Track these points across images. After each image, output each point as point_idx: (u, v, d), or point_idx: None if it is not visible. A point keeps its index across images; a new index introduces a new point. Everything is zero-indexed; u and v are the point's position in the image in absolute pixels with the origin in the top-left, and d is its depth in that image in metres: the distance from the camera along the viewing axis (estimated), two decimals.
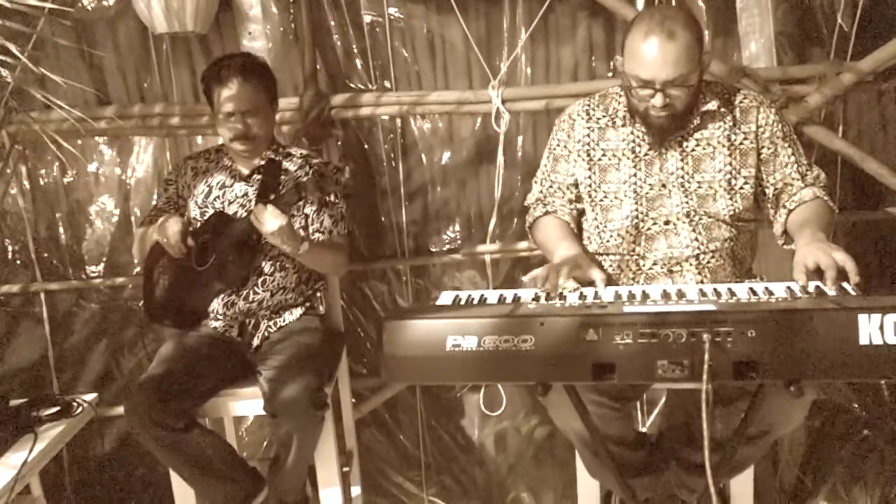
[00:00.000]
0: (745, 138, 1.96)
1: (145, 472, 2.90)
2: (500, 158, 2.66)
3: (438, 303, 1.69)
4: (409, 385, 2.81)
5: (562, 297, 1.64)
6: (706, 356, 1.31)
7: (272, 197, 2.09)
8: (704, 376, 1.31)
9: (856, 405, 2.73)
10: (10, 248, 2.79)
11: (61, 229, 2.78)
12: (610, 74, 2.62)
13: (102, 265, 2.80)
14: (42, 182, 2.76)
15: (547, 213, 2.08)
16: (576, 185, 2.06)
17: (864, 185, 2.65)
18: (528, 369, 1.42)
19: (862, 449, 2.73)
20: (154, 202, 2.71)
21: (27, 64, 2.05)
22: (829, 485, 2.72)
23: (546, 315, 1.41)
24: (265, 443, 2.88)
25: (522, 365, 1.41)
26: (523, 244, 2.72)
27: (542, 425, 2.88)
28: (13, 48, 2.03)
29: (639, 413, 2.81)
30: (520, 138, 2.68)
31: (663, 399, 2.77)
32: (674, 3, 2.57)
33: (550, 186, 2.09)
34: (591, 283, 1.75)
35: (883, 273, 2.61)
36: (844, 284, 1.58)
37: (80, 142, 2.69)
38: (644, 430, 2.74)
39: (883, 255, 2.65)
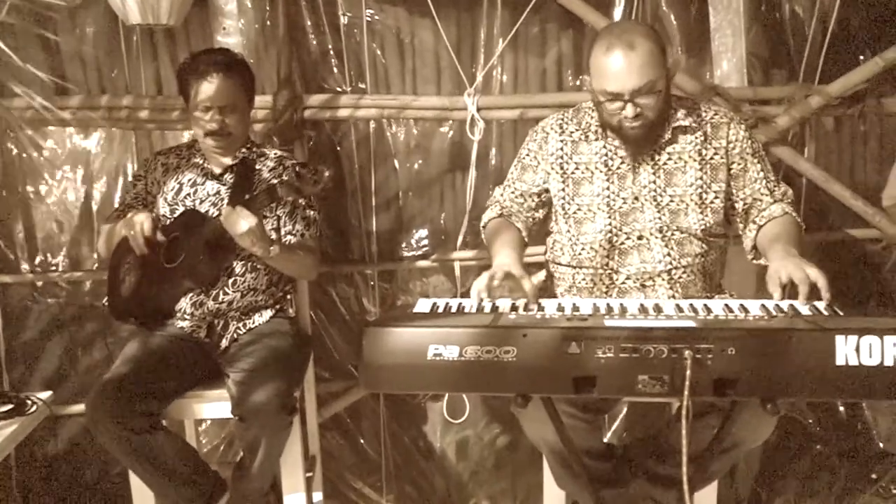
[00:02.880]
0: (716, 153, 1.99)
1: (96, 473, 2.82)
2: (474, 166, 2.66)
3: (416, 310, 1.68)
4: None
5: (541, 307, 1.65)
6: (688, 372, 1.32)
7: (246, 197, 2.05)
8: (685, 392, 1.32)
9: (810, 420, 2.80)
10: None
11: (19, 220, 2.69)
12: (586, 88, 2.65)
13: (60, 259, 2.72)
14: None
15: (502, 215, 2.09)
16: (538, 195, 2.08)
17: (827, 207, 2.72)
18: (509, 381, 1.42)
19: (816, 463, 2.80)
20: (119, 196, 2.65)
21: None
22: (784, 498, 2.78)
23: (529, 327, 1.41)
24: (222, 446, 2.83)
25: (503, 376, 1.41)
26: None
27: (504, 434, 2.89)
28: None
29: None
30: (493, 147, 2.69)
31: (624, 411, 2.80)
32: (649, 18, 2.60)
33: (513, 192, 2.11)
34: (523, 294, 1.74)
35: (846, 293, 2.68)
36: (816, 303, 1.61)
37: (40, 130, 2.61)
38: (606, 441, 2.76)
39: (845, 276, 2.73)
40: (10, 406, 2.06)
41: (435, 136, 2.70)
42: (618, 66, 1.82)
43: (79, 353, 2.74)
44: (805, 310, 1.58)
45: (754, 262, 2.02)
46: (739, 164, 2.00)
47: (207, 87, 2.13)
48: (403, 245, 2.79)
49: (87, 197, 2.68)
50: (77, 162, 2.67)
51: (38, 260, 2.72)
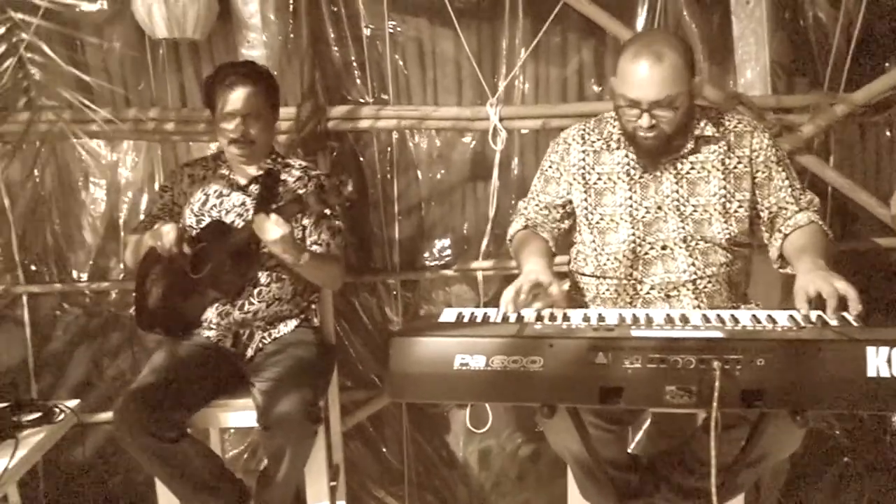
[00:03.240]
0: (740, 162, 1.98)
1: (122, 481, 2.85)
2: (496, 176, 2.66)
3: (441, 319, 1.68)
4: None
5: (566, 317, 1.64)
6: (716, 383, 1.32)
7: (272, 207, 2.07)
8: (714, 403, 1.31)
9: (837, 432, 2.77)
10: None
11: (46, 231, 2.73)
12: (608, 97, 2.64)
13: (88, 269, 2.75)
14: (28, 182, 2.70)
15: (527, 227, 2.09)
16: (563, 207, 2.08)
17: (852, 215, 2.70)
18: (535, 391, 1.42)
19: (843, 476, 2.76)
20: (145, 207, 2.68)
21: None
22: None
23: (555, 337, 1.41)
24: (246, 454, 2.84)
25: (529, 386, 1.41)
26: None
27: (527, 444, 2.88)
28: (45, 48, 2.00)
29: None
30: (515, 156, 2.69)
31: (648, 422, 2.78)
32: (671, 27, 2.60)
33: (537, 204, 2.11)
34: (553, 303, 1.73)
35: (873, 303, 2.65)
36: (845, 314, 1.60)
37: (68, 143, 2.65)
38: (630, 452, 2.75)
39: (871, 285, 2.69)
40: (38, 414, 2.09)
41: (457, 145, 2.71)
42: (641, 75, 1.82)
43: (105, 362, 2.77)
44: (834, 320, 1.57)
45: (780, 271, 2.01)
46: (764, 172, 1.99)
47: (231, 96, 2.17)
48: (426, 255, 2.79)
49: (114, 208, 2.72)
50: (104, 174, 2.71)
51: (66, 271, 2.75)
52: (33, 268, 2.74)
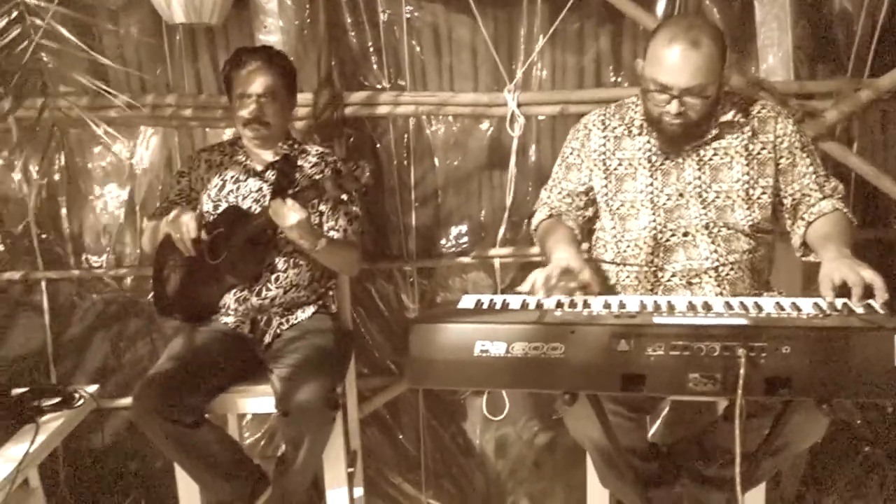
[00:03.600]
0: (763, 148, 1.96)
1: (141, 466, 2.87)
2: (513, 162, 2.65)
3: (460, 306, 1.67)
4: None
5: (587, 304, 1.63)
6: (741, 371, 1.30)
7: (288, 193, 2.06)
8: (739, 391, 1.30)
9: (858, 421, 2.74)
10: (12, 234, 2.75)
11: (64, 217, 2.74)
12: (626, 84, 2.62)
13: (106, 255, 2.76)
14: (46, 168, 2.71)
15: (551, 216, 2.07)
16: (585, 194, 2.06)
17: (875, 202, 2.66)
18: (556, 378, 1.40)
19: (864, 465, 2.73)
20: (160, 193, 2.69)
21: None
22: (831, 500, 2.72)
23: (577, 324, 1.40)
24: (263, 440, 2.85)
25: (550, 373, 1.40)
26: (534, 249, 2.71)
27: (544, 432, 2.87)
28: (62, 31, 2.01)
29: None
30: (532, 143, 2.67)
31: (666, 410, 2.77)
32: (692, 12, 2.56)
33: (559, 193, 2.09)
34: (585, 287, 1.72)
35: (893, 291, 2.61)
36: (871, 302, 1.57)
37: (86, 130, 2.65)
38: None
39: (892, 273, 2.65)
40: (57, 399, 2.09)
41: (474, 132, 2.69)
42: (675, 60, 1.79)
43: (124, 348, 2.79)
44: (860, 308, 1.54)
45: (803, 259, 1.98)
46: (788, 158, 1.96)
47: (247, 76, 2.17)
48: (442, 242, 2.78)
49: (131, 194, 2.72)
50: (121, 160, 2.71)
51: (83, 256, 2.77)
52: (55, 250, 2.74)
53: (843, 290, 1.62)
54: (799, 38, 2.55)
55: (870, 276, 1.59)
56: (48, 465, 2.77)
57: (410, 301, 2.81)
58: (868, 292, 1.59)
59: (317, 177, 2.18)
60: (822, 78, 2.58)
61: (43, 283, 2.76)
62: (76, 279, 2.77)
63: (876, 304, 1.56)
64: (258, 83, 2.17)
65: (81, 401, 2.11)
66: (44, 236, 2.75)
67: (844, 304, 1.57)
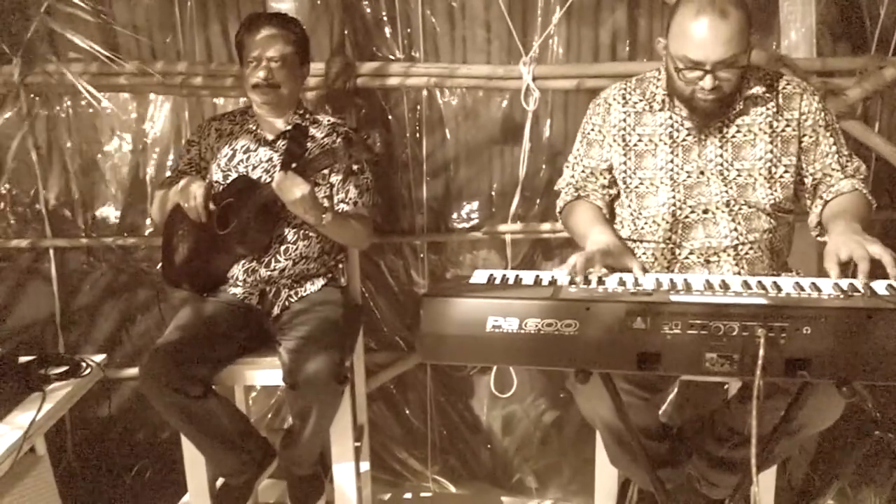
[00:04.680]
0: (788, 125, 1.91)
1: (148, 436, 2.87)
2: (527, 137, 2.60)
3: (472, 281, 1.64)
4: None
5: (601, 281, 1.60)
6: (760, 351, 1.27)
7: (300, 161, 2.03)
8: (758, 372, 1.27)
9: (870, 404, 2.71)
10: (20, 201, 2.73)
11: (73, 185, 2.72)
12: (645, 59, 2.56)
13: (115, 224, 2.74)
14: (55, 136, 2.68)
15: (579, 197, 2.03)
16: (609, 171, 2.02)
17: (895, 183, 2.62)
18: (570, 355, 1.38)
19: (874, 450, 2.71)
20: (170, 162, 2.66)
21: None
22: (839, 484, 2.70)
23: (592, 301, 1.37)
24: (270, 413, 2.85)
25: (564, 350, 1.37)
26: (546, 225, 2.68)
27: (551, 410, 2.86)
28: None
29: None
30: (547, 118, 2.62)
31: (675, 390, 2.74)
32: None
33: (583, 171, 2.04)
34: (625, 272, 1.70)
35: None
36: (893, 282, 1.53)
37: (94, 96, 2.62)
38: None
39: None
40: (64, 368, 2.09)
41: (487, 105, 2.65)
42: (705, 34, 1.73)
43: (132, 317, 2.77)
44: (883, 289, 1.51)
45: (819, 238, 1.94)
46: (811, 136, 1.92)
47: (260, 41, 2.15)
48: (453, 216, 2.75)
49: (141, 163, 2.70)
50: (131, 128, 2.68)
51: (92, 225, 2.75)
52: (64, 213, 2.73)
53: (850, 270, 1.57)
54: (822, 13, 2.49)
55: (878, 251, 1.55)
56: (55, 434, 2.78)
57: (420, 276, 2.79)
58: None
59: (329, 146, 2.15)
60: (845, 55, 2.52)
61: (51, 252, 2.75)
62: (85, 247, 2.75)
63: (884, 283, 1.52)
64: (271, 48, 2.15)
65: (89, 370, 2.11)
66: (53, 203, 2.73)
67: (866, 284, 1.53)
